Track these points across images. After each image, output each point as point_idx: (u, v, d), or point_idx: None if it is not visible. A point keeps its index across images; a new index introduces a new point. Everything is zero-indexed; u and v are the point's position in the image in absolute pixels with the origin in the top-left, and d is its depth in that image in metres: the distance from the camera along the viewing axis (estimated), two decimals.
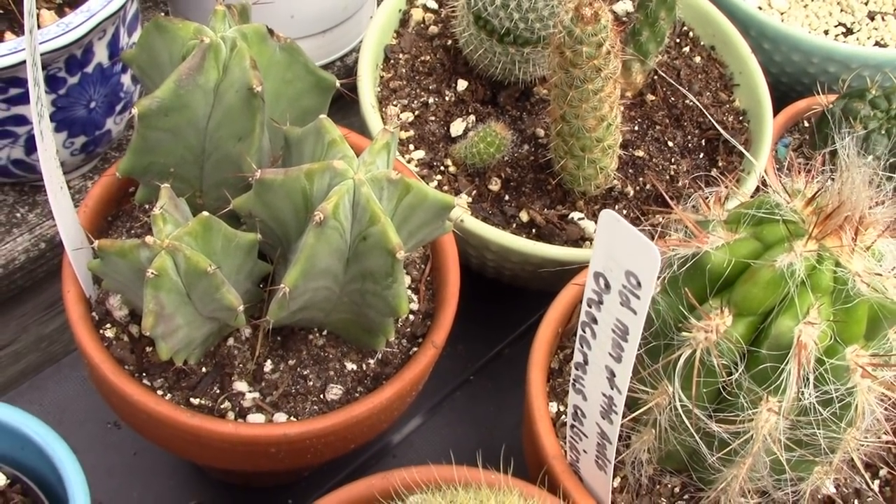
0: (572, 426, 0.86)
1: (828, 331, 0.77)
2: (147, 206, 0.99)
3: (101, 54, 1.12)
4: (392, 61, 1.24)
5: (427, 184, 1.07)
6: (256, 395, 0.91)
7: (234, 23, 0.86)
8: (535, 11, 1.11)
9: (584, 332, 0.76)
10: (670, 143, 1.23)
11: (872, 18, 1.56)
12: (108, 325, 0.93)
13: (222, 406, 0.90)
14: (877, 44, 1.52)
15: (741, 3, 1.43)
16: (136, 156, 0.87)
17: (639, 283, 0.68)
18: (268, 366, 0.92)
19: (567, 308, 1.00)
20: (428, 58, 1.25)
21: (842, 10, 1.57)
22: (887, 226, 0.78)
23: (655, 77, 1.27)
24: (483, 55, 1.18)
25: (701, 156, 1.24)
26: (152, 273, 0.78)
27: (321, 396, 0.92)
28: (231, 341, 0.93)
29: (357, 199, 0.79)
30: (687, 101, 1.27)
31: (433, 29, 1.28)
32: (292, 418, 0.90)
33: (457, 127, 1.19)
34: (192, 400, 0.90)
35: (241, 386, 0.91)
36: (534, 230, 1.13)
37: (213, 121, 0.85)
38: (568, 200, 1.16)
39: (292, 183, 0.81)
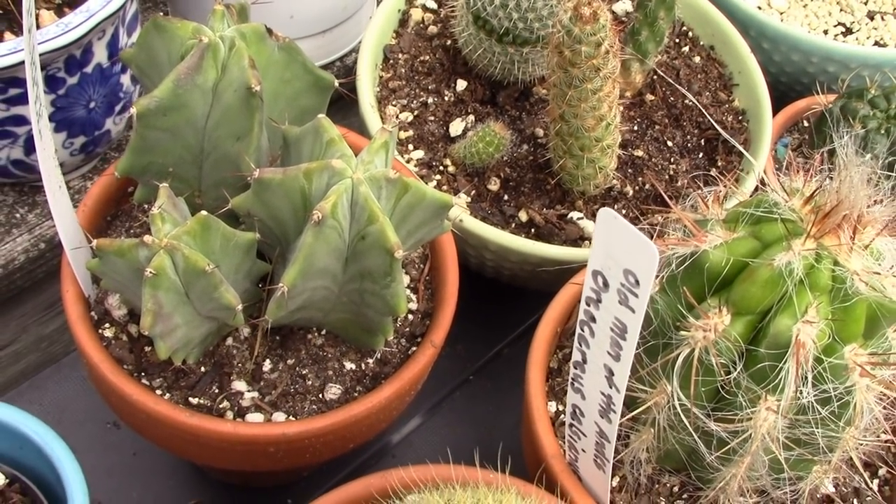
0: (571, 425, 0.86)
1: (826, 329, 0.77)
2: (146, 206, 1.00)
3: (100, 54, 1.12)
4: (391, 61, 1.24)
5: (426, 183, 1.07)
6: (255, 394, 0.91)
7: (233, 22, 0.86)
8: (534, 11, 1.11)
9: (582, 330, 0.76)
10: (669, 143, 1.23)
11: (872, 18, 1.56)
12: (107, 325, 0.93)
13: (221, 405, 0.90)
14: (876, 43, 1.52)
15: (740, 3, 1.43)
16: (134, 155, 0.88)
17: (637, 282, 0.68)
18: (266, 365, 0.92)
19: (566, 307, 1.00)
20: (427, 58, 1.25)
21: (841, 10, 1.57)
22: (885, 224, 0.78)
23: (655, 77, 1.27)
24: (482, 55, 1.18)
25: (700, 155, 1.24)
26: (151, 272, 0.78)
27: (320, 396, 0.92)
28: (230, 341, 0.93)
29: (355, 198, 0.79)
30: (686, 101, 1.27)
31: (432, 29, 1.28)
32: (291, 418, 0.90)
33: (456, 127, 1.19)
34: (190, 399, 0.90)
35: (239, 385, 0.91)
36: (533, 230, 1.13)
37: (211, 120, 0.85)
38: (567, 200, 1.16)
39: (291, 182, 0.81)
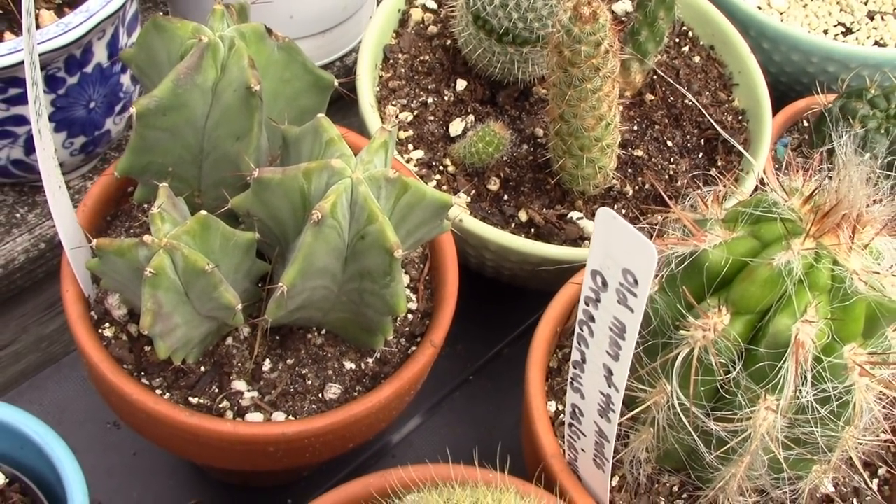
0: (570, 425, 0.86)
1: (825, 329, 0.77)
2: (146, 206, 1.00)
3: (100, 54, 1.12)
4: (391, 61, 1.24)
5: (426, 183, 1.07)
6: (255, 394, 0.91)
7: (233, 22, 0.86)
8: (533, 11, 1.11)
9: (581, 330, 0.76)
10: (669, 143, 1.23)
11: (872, 18, 1.56)
12: (107, 325, 0.93)
13: (221, 405, 0.90)
14: (876, 43, 1.52)
15: (740, 3, 1.43)
16: (134, 155, 0.88)
17: (636, 281, 0.68)
18: (266, 365, 0.92)
19: (566, 307, 1.00)
20: (427, 58, 1.25)
21: (841, 10, 1.57)
22: (885, 224, 0.78)
23: (654, 77, 1.27)
24: (482, 55, 1.18)
25: (700, 155, 1.24)
26: (150, 272, 0.78)
27: (320, 395, 0.92)
28: (230, 340, 0.93)
29: (355, 197, 0.79)
30: (686, 101, 1.27)
31: (432, 29, 1.28)
32: (291, 417, 0.90)
33: (456, 126, 1.19)
34: (190, 399, 0.90)
35: (239, 385, 0.91)
36: (533, 230, 1.13)
37: (211, 120, 0.85)
38: (567, 200, 1.16)
39: (290, 182, 0.81)
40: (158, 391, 0.90)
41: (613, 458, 0.84)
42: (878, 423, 0.82)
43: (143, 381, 0.90)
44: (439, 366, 1.00)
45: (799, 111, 1.36)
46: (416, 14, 1.29)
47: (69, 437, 0.89)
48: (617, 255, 0.68)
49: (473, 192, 1.15)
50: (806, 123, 1.36)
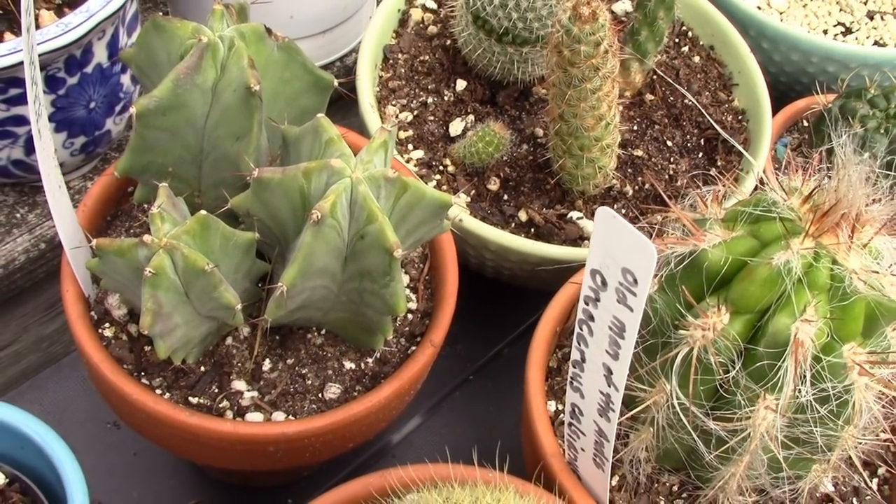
0: (570, 424, 0.86)
1: (825, 328, 0.77)
2: (146, 206, 1.00)
3: (100, 55, 1.12)
4: (391, 61, 1.24)
5: (426, 183, 1.07)
6: (255, 393, 0.91)
7: (233, 22, 0.87)
8: (533, 11, 1.11)
9: (581, 329, 0.76)
10: (669, 143, 1.23)
11: (871, 18, 1.56)
12: (107, 325, 0.93)
13: (221, 405, 0.90)
14: (876, 43, 1.52)
15: (740, 3, 1.43)
16: (134, 155, 0.88)
17: (635, 280, 0.68)
18: (266, 365, 0.92)
19: (565, 307, 1.00)
20: (427, 58, 1.25)
21: (841, 10, 1.57)
22: (884, 223, 0.78)
23: (654, 77, 1.27)
24: (482, 55, 1.18)
25: (700, 155, 1.24)
26: (150, 272, 0.78)
27: (319, 395, 0.92)
28: (229, 340, 0.93)
29: (354, 197, 0.79)
30: (686, 101, 1.27)
31: (432, 29, 1.28)
32: (291, 417, 0.90)
33: (456, 126, 1.19)
34: (190, 399, 0.90)
35: (239, 385, 0.91)
36: (532, 229, 1.13)
37: (211, 120, 0.86)
38: (567, 200, 1.16)
39: (290, 182, 0.81)
40: (158, 391, 0.90)
41: (613, 457, 0.84)
42: (877, 422, 0.82)
43: (143, 381, 0.90)
44: (439, 366, 1.00)
45: (799, 111, 1.36)
46: (416, 14, 1.29)
47: (69, 437, 0.89)
48: (616, 255, 0.68)
49: (473, 192, 1.15)
50: (806, 123, 1.36)
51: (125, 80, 1.18)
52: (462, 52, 1.22)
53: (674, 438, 0.85)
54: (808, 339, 0.75)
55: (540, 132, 1.20)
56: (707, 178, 1.18)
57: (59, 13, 1.14)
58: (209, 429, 0.86)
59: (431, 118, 1.20)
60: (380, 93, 1.21)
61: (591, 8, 0.96)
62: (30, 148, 1.14)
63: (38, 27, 1.07)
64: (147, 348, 0.91)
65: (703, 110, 1.26)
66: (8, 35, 1.13)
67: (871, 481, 0.95)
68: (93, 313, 0.93)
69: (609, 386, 0.77)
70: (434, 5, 1.31)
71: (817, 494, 0.92)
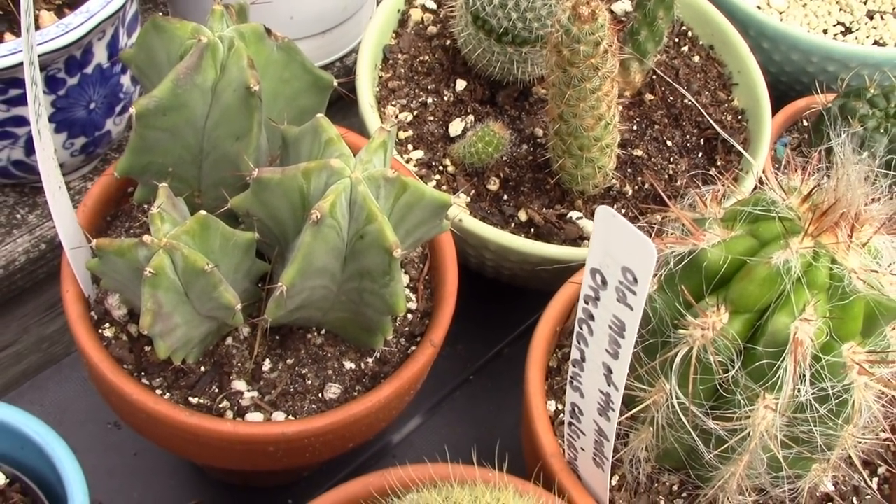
0: (570, 424, 0.86)
1: (824, 327, 0.77)
2: (146, 206, 1.00)
3: (100, 55, 1.12)
4: (391, 61, 1.25)
5: (426, 183, 1.07)
6: (255, 393, 0.91)
7: (232, 22, 0.87)
8: (532, 11, 1.11)
9: (581, 329, 0.76)
10: (669, 143, 1.23)
11: (871, 17, 1.56)
12: (107, 325, 0.93)
13: (221, 405, 0.90)
14: (875, 43, 1.52)
15: (740, 3, 1.43)
16: (134, 155, 0.88)
17: (635, 279, 0.68)
18: (266, 365, 0.93)
19: (565, 306, 1.00)
20: (427, 58, 1.25)
21: (841, 10, 1.57)
22: (883, 222, 0.78)
23: (654, 76, 1.27)
24: (481, 55, 1.18)
25: (700, 155, 1.24)
26: (150, 272, 0.78)
27: (319, 395, 0.92)
28: (229, 340, 0.93)
29: (354, 197, 0.79)
30: (685, 101, 1.27)
31: (432, 29, 1.28)
32: (291, 417, 0.90)
33: (455, 127, 1.19)
34: (190, 399, 0.90)
35: (239, 385, 0.91)
36: (532, 229, 1.13)
37: (210, 120, 0.86)
38: (566, 200, 1.16)
39: (289, 182, 0.81)
40: (158, 391, 0.90)
41: (613, 456, 0.84)
42: (877, 421, 0.82)
43: (144, 381, 0.90)
44: (439, 366, 1.00)
45: (799, 111, 1.36)
46: (416, 14, 1.29)
47: (70, 437, 0.90)
48: (616, 254, 0.68)
49: (473, 192, 1.15)
50: (806, 123, 1.37)
51: (125, 80, 1.18)
52: (462, 52, 1.22)
53: (673, 438, 0.85)
54: (808, 339, 0.75)
55: (540, 132, 1.20)
56: (707, 177, 1.18)
57: (60, 14, 1.15)
58: (209, 429, 0.86)
59: (431, 118, 1.20)
60: (380, 93, 1.21)
61: (591, 8, 0.96)
62: (30, 148, 1.14)
63: (38, 28, 1.07)
64: (147, 348, 0.91)
65: (702, 110, 1.26)
66: (8, 35, 1.13)
67: (871, 480, 0.95)
68: (93, 313, 0.94)
69: (609, 385, 0.77)
70: (434, 5, 1.31)
71: (817, 494, 0.92)
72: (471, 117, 1.20)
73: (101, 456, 1.13)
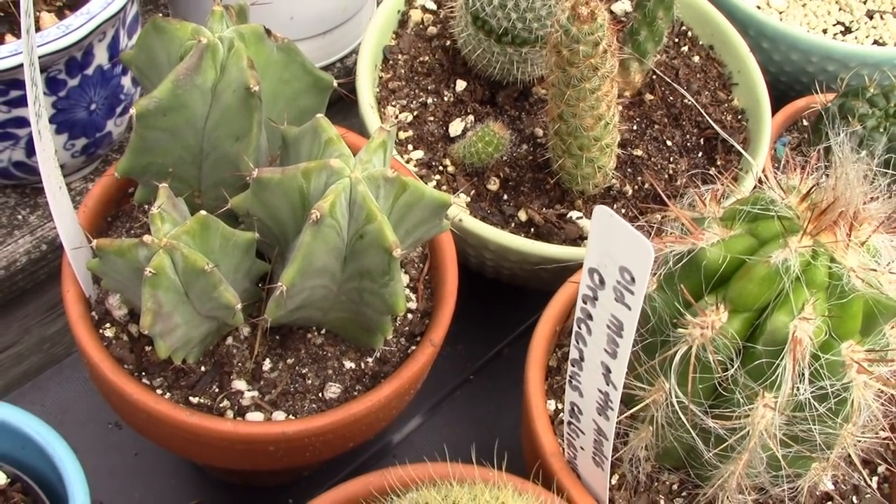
0: (569, 423, 0.86)
1: (823, 326, 0.77)
2: (146, 207, 1.00)
3: (101, 56, 1.13)
4: (391, 62, 1.25)
5: (426, 183, 1.07)
6: (255, 393, 0.91)
7: (232, 23, 0.87)
8: (532, 11, 1.12)
9: (579, 328, 0.76)
10: (669, 143, 1.23)
11: (871, 17, 1.56)
12: (108, 325, 0.93)
13: (221, 405, 0.90)
14: (875, 42, 1.52)
15: (740, 3, 1.43)
16: (134, 156, 0.88)
17: (633, 279, 0.68)
18: (266, 364, 0.93)
19: (565, 306, 1.00)
20: (427, 58, 1.25)
21: (840, 9, 1.57)
22: (882, 221, 0.78)
23: (654, 76, 1.28)
24: (481, 55, 1.18)
25: (699, 155, 1.24)
26: (150, 272, 0.78)
27: (320, 395, 0.92)
28: (230, 340, 0.93)
29: (354, 197, 0.79)
30: (685, 101, 1.27)
31: (432, 30, 1.29)
32: (291, 417, 0.90)
33: (455, 127, 1.19)
34: (191, 399, 0.90)
35: (239, 384, 0.91)
36: (532, 229, 1.13)
37: (210, 120, 0.86)
38: (566, 199, 1.16)
39: (289, 182, 0.81)
40: (159, 391, 0.90)
41: (613, 456, 0.84)
42: (876, 420, 0.82)
43: (144, 380, 0.90)
44: (439, 366, 1.00)
45: (798, 110, 1.36)
46: (416, 15, 1.29)
47: (71, 437, 0.90)
48: (614, 253, 0.68)
49: (473, 191, 1.15)
50: (805, 122, 1.37)
51: (126, 81, 1.19)
52: (462, 52, 1.22)
53: (673, 437, 0.85)
54: (807, 337, 0.76)
55: (539, 132, 1.20)
56: (706, 177, 1.18)
57: (60, 15, 1.15)
58: (210, 428, 0.86)
59: (431, 118, 1.20)
60: (380, 93, 1.21)
61: (590, 8, 0.96)
62: (31, 149, 1.14)
63: (38, 29, 1.08)
64: (147, 348, 0.91)
65: (702, 110, 1.26)
66: (9, 37, 1.13)
67: (870, 479, 0.95)
68: (93, 314, 0.94)
69: (608, 384, 0.77)
70: (434, 6, 1.31)
71: (817, 493, 0.92)
72: (471, 117, 1.20)
73: (102, 456, 1.13)
